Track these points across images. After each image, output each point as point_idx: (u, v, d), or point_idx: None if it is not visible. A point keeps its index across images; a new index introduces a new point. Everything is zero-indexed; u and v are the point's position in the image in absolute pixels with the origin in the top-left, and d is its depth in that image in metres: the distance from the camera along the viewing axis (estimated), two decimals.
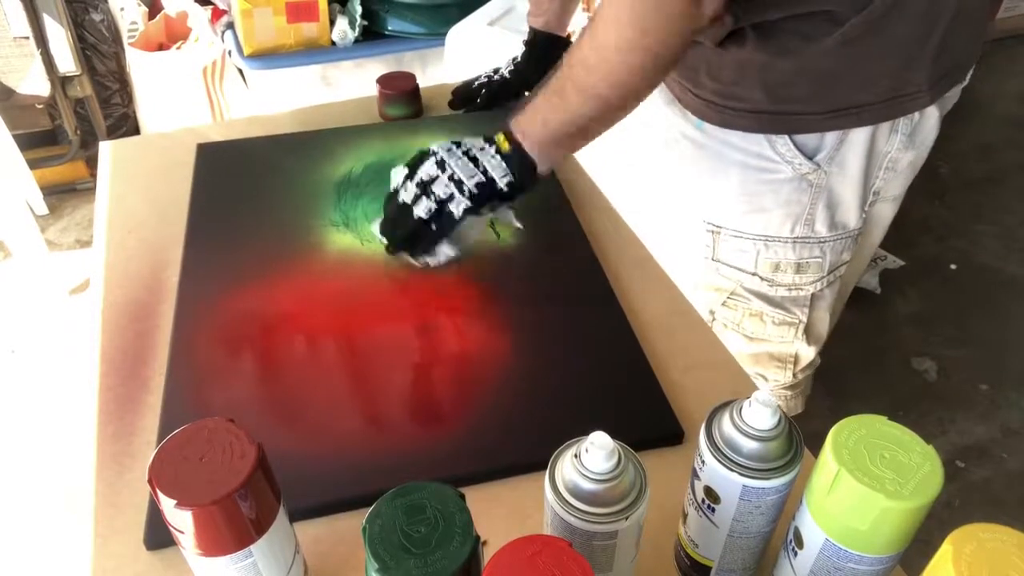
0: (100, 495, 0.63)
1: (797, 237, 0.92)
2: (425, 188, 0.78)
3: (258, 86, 1.97)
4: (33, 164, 2.20)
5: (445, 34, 1.62)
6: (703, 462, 0.49)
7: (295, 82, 1.96)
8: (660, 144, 0.99)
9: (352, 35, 1.96)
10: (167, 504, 0.44)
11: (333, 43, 1.97)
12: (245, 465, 0.46)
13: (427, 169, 0.79)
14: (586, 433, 0.47)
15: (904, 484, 0.42)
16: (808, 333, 1.02)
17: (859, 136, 0.84)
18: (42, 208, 2.27)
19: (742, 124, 0.86)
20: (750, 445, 0.47)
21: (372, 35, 2.01)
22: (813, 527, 0.46)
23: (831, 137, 0.84)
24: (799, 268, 0.95)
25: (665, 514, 0.58)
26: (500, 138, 0.78)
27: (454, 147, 0.79)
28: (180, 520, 0.45)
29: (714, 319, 1.03)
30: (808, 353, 1.05)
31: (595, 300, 0.81)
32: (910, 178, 0.95)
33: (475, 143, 0.80)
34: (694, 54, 0.86)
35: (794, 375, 1.07)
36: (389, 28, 2.00)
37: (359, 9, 1.95)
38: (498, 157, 0.78)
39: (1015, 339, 2.00)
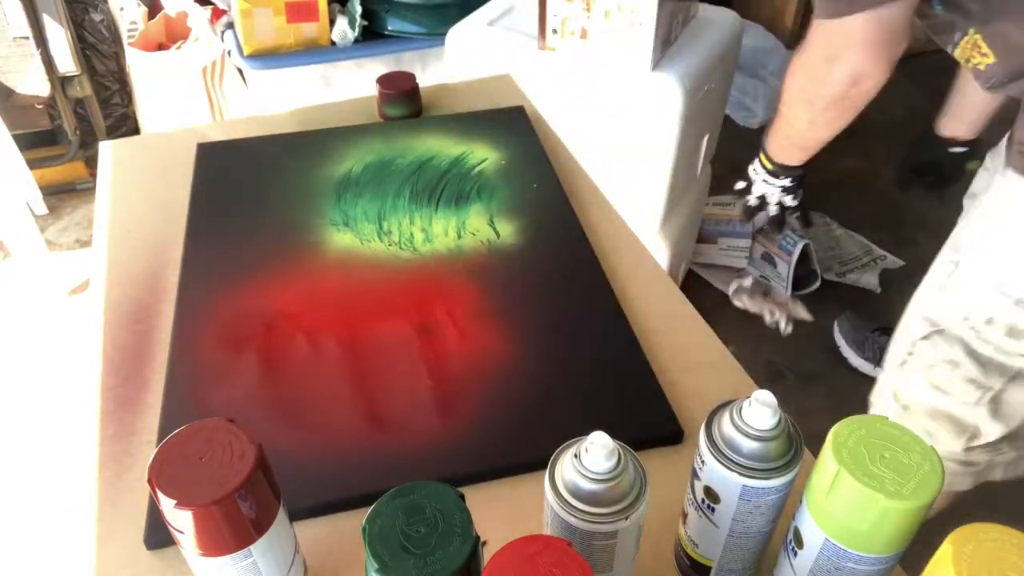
0: (100, 495, 0.63)
1: None
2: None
3: (258, 86, 1.97)
4: (33, 164, 2.20)
5: (445, 34, 1.62)
6: (703, 462, 0.49)
7: (295, 82, 1.96)
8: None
9: (352, 35, 1.96)
10: (167, 504, 0.44)
11: (333, 43, 1.97)
12: (245, 465, 0.46)
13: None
14: (586, 433, 0.47)
15: (904, 484, 0.42)
16: (996, 406, 0.95)
17: None
18: (42, 208, 2.27)
19: None
20: (750, 445, 0.47)
21: (372, 35, 2.01)
22: (813, 527, 0.46)
23: None
24: (1011, 331, 0.89)
25: (665, 514, 0.58)
26: (763, 157, 1.13)
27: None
28: (180, 520, 0.45)
29: (911, 355, 0.99)
30: (991, 431, 0.97)
31: (595, 300, 0.81)
32: None
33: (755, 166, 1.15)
34: None
35: (966, 448, 0.99)
36: (389, 28, 2.00)
37: (359, 9, 1.95)
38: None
39: None
